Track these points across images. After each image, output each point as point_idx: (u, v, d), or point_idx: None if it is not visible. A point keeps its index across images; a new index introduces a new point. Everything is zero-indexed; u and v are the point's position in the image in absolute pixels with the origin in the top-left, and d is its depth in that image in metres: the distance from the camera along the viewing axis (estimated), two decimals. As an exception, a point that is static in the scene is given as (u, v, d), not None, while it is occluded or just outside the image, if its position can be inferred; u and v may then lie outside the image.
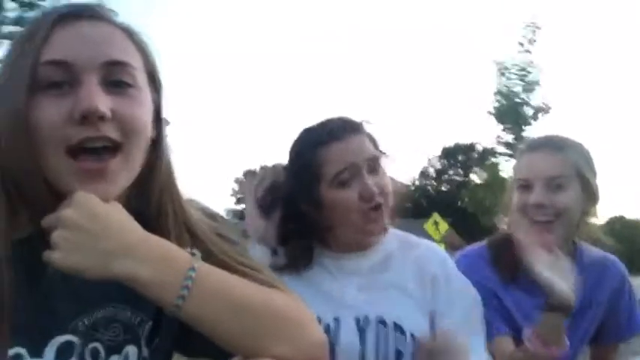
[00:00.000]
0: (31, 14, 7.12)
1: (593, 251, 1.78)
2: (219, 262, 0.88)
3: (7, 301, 0.75)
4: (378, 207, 1.38)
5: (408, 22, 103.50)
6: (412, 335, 1.34)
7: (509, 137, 20.71)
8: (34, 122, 0.79)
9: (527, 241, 1.54)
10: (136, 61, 0.87)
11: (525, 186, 1.67)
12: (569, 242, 1.73)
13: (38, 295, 0.82)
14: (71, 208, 0.77)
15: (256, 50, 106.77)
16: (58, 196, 0.81)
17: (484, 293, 1.53)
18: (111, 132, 0.82)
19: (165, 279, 0.79)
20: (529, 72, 20.58)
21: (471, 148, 56.42)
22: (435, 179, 61.06)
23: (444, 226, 15.53)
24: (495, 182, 20.26)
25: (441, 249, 1.57)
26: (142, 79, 0.88)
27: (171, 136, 0.96)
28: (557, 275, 1.47)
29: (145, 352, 0.90)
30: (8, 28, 7.13)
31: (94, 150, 0.81)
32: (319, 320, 1.00)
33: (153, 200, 0.91)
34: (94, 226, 0.77)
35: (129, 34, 0.89)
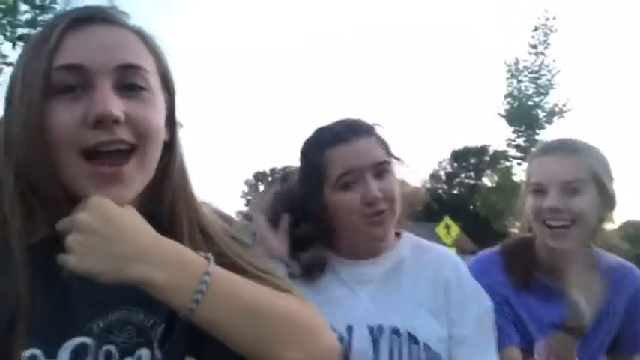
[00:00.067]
0: (44, 17, 7.18)
1: (610, 258, 1.74)
2: (233, 265, 0.89)
3: (24, 302, 0.76)
4: (381, 212, 1.36)
5: (418, 23, 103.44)
6: (426, 345, 1.33)
7: (520, 140, 20.62)
8: (49, 126, 0.79)
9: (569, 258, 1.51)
10: (149, 64, 0.88)
11: (539, 190, 1.64)
12: (585, 248, 1.70)
13: (54, 297, 0.82)
14: (86, 212, 0.77)
15: (267, 51, 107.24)
16: (73, 200, 0.81)
17: (496, 299, 1.52)
18: (125, 135, 0.82)
19: (179, 283, 0.79)
20: (542, 74, 20.45)
21: (482, 151, 56.19)
22: (446, 182, 60.88)
23: (455, 229, 15.47)
24: (507, 186, 20.19)
25: (453, 253, 1.54)
26: (154, 81, 0.88)
27: (181, 137, 0.97)
28: (586, 299, 1.46)
29: (158, 354, 0.91)
30: (22, 31, 7.19)
31: (109, 153, 0.82)
32: (332, 328, 0.99)
33: (166, 203, 0.92)
34: (109, 230, 0.77)
35: (141, 37, 0.89)
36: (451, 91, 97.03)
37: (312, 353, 0.87)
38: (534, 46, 20.66)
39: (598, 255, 1.73)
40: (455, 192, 59.91)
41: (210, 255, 0.85)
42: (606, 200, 1.63)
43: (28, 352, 0.77)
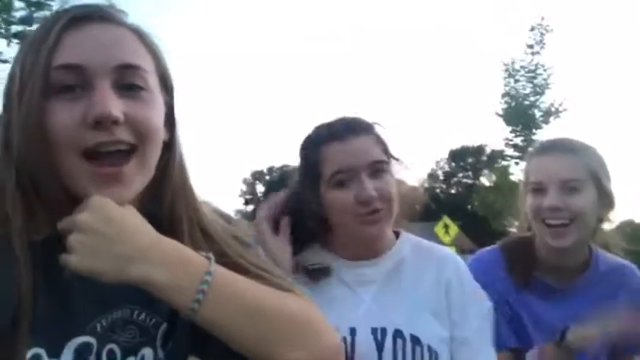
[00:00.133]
0: (39, 14, 7.16)
1: (610, 258, 1.74)
2: (235, 265, 0.89)
3: (26, 302, 0.76)
4: (376, 212, 1.35)
5: (416, 23, 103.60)
6: (428, 346, 1.33)
7: (517, 140, 20.69)
8: (48, 126, 0.79)
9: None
10: (147, 64, 0.88)
11: (539, 189, 1.64)
12: (585, 247, 1.70)
13: (56, 296, 0.82)
14: (87, 212, 0.78)
15: (265, 50, 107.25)
16: (74, 200, 0.81)
17: (495, 297, 1.52)
18: (125, 135, 0.82)
19: (181, 283, 0.79)
20: (539, 74, 20.50)
21: (479, 150, 56.33)
22: (444, 182, 61.02)
23: (454, 229, 15.52)
24: (505, 185, 20.24)
25: (454, 253, 1.54)
26: (153, 81, 0.88)
27: (181, 137, 0.96)
28: (597, 328, 1.51)
29: (161, 354, 0.91)
30: (17, 28, 7.16)
31: (109, 154, 0.82)
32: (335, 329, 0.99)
33: (166, 203, 0.92)
34: (110, 230, 0.77)
35: (139, 35, 0.89)
36: (448, 91, 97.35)
37: (314, 353, 0.87)
38: (531, 46, 20.73)
39: (598, 255, 1.73)
40: (453, 191, 60.07)
41: (211, 255, 0.85)
42: (605, 199, 1.64)
43: (31, 352, 0.77)
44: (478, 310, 1.41)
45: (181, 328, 0.91)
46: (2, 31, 7.15)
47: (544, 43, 20.59)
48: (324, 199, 1.39)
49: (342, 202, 1.35)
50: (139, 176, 0.85)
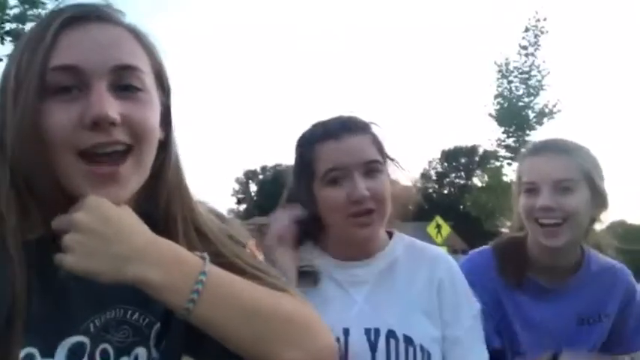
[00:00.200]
0: (33, 12, 7.11)
1: (601, 259, 1.75)
2: (230, 264, 0.89)
3: (21, 301, 0.76)
4: (369, 212, 1.35)
5: (410, 24, 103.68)
6: (421, 346, 1.33)
7: (510, 140, 20.70)
8: (44, 127, 0.79)
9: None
10: (144, 64, 0.87)
11: (532, 189, 1.65)
12: (578, 248, 1.71)
13: (50, 296, 0.82)
14: (83, 212, 0.77)
15: (258, 50, 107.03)
16: (70, 199, 0.81)
17: (485, 298, 1.51)
18: (121, 136, 0.82)
19: (175, 283, 0.79)
20: (532, 75, 20.52)
21: (472, 150, 56.48)
22: (437, 182, 61.13)
23: (446, 229, 15.55)
24: (498, 186, 20.27)
25: (446, 254, 1.54)
26: (150, 81, 0.88)
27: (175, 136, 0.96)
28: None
29: (154, 353, 0.90)
30: (10, 26, 7.12)
31: (105, 155, 0.82)
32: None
33: (161, 202, 0.92)
34: (107, 230, 0.77)
35: (136, 35, 0.89)
36: (441, 91, 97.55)
37: (310, 352, 0.87)
38: (525, 47, 20.72)
39: (589, 256, 1.73)
40: (445, 191, 60.21)
41: (205, 255, 0.85)
42: (598, 200, 1.64)
43: (24, 352, 0.77)
44: (470, 309, 1.41)
45: (175, 328, 0.91)
46: (-5, 28, 7.10)
47: (539, 45, 20.61)
48: (317, 197, 1.39)
49: (335, 201, 1.35)
50: (134, 176, 0.85)
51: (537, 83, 20.40)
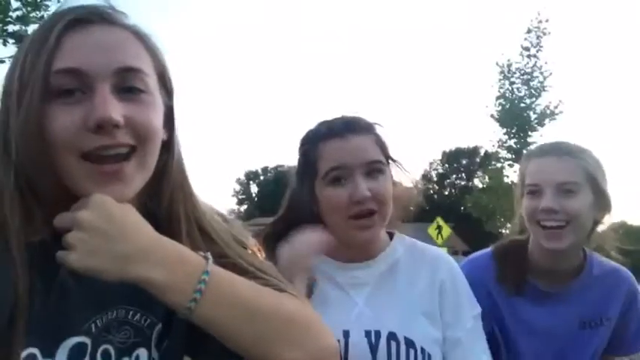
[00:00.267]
0: (36, 14, 7.12)
1: (604, 262, 1.74)
2: (233, 265, 0.89)
3: (22, 302, 0.75)
4: (370, 213, 1.34)
5: (412, 25, 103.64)
6: (422, 348, 1.32)
7: (511, 142, 20.68)
8: (48, 130, 0.79)
9: None
10: (147, 66, 0.87)
11: (535, 191, 1.64)
12: (580, 251, 1.71)
13: (52, 296, 0.82)
14: (88, 210, 0.77)
15: (260, 51, 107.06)
16: (74, 200, 0.81)
17: (485, 302, 1.51)
18: (125, 138, 0.82)
19: (178, 282, 0.79)
20: (534, 77, 20.49)
21: (473, 152, 56.40)
22: (438, 183, 61.04)
23: (446, 230, 15.54)
24: (499, 187, 20.23)
25: (448, 255, 1.54)
26: (153, 83, 0.88)
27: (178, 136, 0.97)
28: None
29: (155, 354, 0.90)
30: (13, 28, 7.13)
31: (109, 157, 0.82)
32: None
33: (164, 202, 0.92)
34: (111, 228, 0.77)
35: (139, 37, 0.89)
36: (443, 92, 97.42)
37: (311, 353, 0.87)
38: (527, 49, 20.73)
39: (592, 259, 1.72)
40: (446, 193, 60.12)
41: (208, 254, 0.85)
42: (601, 202, 1.64)
43: (25, 352, 0.77)
44: (471, 310, 1.41)
45: (177, 328, 0.91)
46: (-2, 30, 7.10)
47: (541, 46, 20.60)
48: (318, 196, 1.39)
49: (336, 200, 1.35)
50: (138, 175, 0.85)
51: (539, 84, 20.40)
